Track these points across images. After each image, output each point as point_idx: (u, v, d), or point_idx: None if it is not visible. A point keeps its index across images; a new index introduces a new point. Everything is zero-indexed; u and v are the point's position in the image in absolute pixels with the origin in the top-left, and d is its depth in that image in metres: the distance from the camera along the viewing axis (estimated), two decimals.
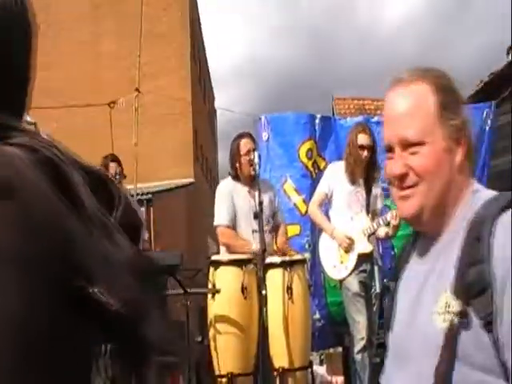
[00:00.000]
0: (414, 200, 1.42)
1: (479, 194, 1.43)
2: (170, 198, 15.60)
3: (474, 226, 1.33)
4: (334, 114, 16.21)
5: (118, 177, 5.36)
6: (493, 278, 1.26)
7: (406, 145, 1.43)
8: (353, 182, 4.88)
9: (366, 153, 4.85)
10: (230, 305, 4.13)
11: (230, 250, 4.48)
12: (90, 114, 13.69)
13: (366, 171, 4.90)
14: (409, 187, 1.42)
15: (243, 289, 4.03)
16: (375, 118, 6.56)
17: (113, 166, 5.45)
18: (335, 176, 4.94)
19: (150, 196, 13.85)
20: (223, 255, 4.51)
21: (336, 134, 6.31)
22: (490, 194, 1.42)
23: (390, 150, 1.48)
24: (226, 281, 4.20)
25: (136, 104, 8.32)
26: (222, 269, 4.25)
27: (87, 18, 19.03)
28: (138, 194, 9.16)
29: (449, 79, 1.49)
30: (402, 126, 1.45)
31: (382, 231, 4.88)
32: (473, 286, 1.27)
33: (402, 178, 1.43)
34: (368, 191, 4.94)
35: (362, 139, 4.86)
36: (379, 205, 5.13)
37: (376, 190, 5.03)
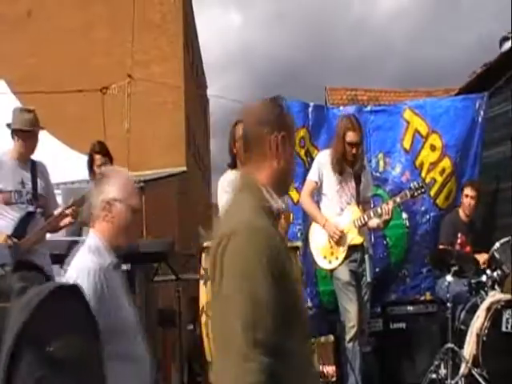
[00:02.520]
0: None
1: None
2: (162, 187, 15.53)
3: None
4: (326, 104, 16.18)
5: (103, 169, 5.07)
6: None
7: None
8: (341, 173, 4.88)
9: (354, 150, 4.84)
10: None
11: None
12: (82, 100, 13.58)
13: (353, 163, 4.90)
14: None
15: None
16: (368, 108, 6.55)
17: (98, 157, 5.15)
18: (325, 165, 4.93)
19: (142, 184, 13.78)
20: None
21: (329, 122, 6.28)
22: None
23: None
24: None
25: (128, 90, 8.27)
26: None
27: (75, 4, 18.84)
28: None
29: None
30: None
31: (374, 223, 4.89)
32: None
33: None
34: (357, 181, 4.93)
35: (351, 137, 4.83)
36: (369, 193, 5.14)
37: (365, 179, 5.03)
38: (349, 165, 4.87)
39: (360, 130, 4.91)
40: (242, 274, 1.66)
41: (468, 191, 5.91)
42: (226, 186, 4.66)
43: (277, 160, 1.89)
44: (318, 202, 5.02)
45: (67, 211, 4.32)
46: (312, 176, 5.02)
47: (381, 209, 4.83)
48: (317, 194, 5.03)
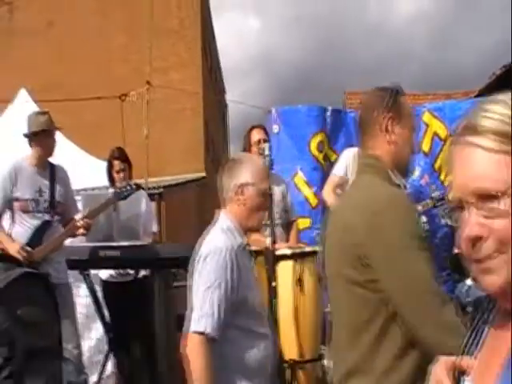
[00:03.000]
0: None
1: None
2: (181, 193, 15.62)
3: None
4: (345, 107, 16.14)
5: (122, 174, 5.16)
6: None
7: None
8: None
9: None
10: None
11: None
12: (101, 107, 13.71)
13: None
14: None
15: None
16: None
17: (116, 163, 5.21)
18: (353, 163, 4.92)
19: (161, 190, 13.89)
20: None
21: (347, 126, 6.27)
22: None
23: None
24: None
25: (147, 97, 8.33)
26: None
27: (94, 11, 19.03)
28: (149, 189, 9.17)
29: None
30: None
31: None
32: None
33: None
34: None
35: None
36: None
37: None
38: None
39: None
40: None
41: None
42: None
43: (387, 141, 1.95)
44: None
45: (79, 224, 4.34)
46: (338, 171, 5.02)
47: None
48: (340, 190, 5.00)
